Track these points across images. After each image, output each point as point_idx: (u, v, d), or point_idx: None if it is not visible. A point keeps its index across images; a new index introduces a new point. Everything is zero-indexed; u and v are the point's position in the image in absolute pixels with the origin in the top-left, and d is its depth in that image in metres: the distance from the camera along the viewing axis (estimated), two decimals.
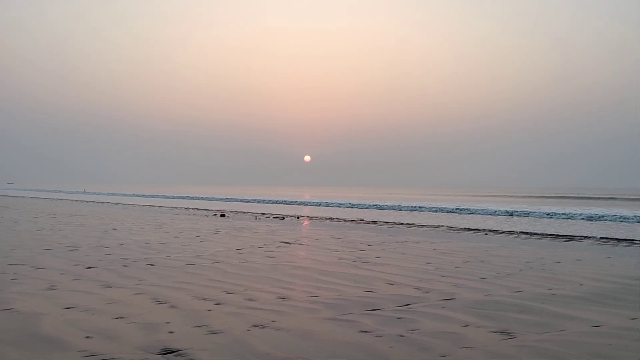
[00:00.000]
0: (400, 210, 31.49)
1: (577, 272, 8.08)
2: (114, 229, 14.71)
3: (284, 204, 40.55)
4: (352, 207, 35.08)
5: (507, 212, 27.94)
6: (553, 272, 8.04)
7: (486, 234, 15.40)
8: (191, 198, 52.28)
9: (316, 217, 24.44)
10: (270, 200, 45.77)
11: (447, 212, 29.00)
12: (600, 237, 14.93)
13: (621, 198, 55.39)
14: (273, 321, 4.81)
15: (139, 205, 34.96)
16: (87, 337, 4.21)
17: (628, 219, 22.32)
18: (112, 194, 63.19)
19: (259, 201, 45.03)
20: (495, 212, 28.11)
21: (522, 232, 16.41)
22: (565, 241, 13.56)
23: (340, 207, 36.06)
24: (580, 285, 6.96)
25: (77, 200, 42.60)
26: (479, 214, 27.65)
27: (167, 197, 54.19)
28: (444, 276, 7.49)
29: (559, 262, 9.12)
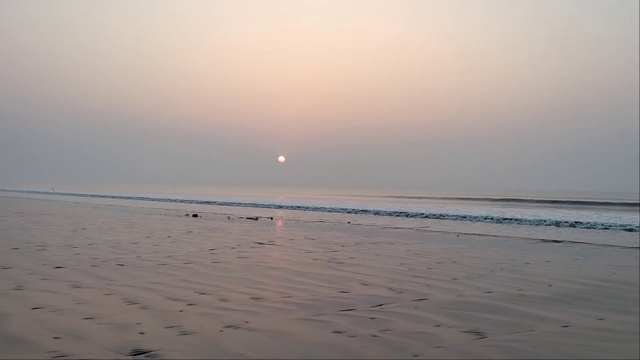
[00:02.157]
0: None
1: (546, 273, 8.22)
2: (84, 228, 14.47)
3: (258, 205, 40.36)
4: (325, 209, 35.11)
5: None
6: (523, 273, 8.17)
7: (458, 236, 15.57)
8: (162, 199, 51.70)
9: (290, 218, 24.41)
10: (243, 201, 45.56)
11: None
12: (570, 240, 15.22)
13: (598, 202, 56.56)
14: (246, 322, 4.78)
15: (110, 205, 34.46)
16: (56, 337, 4.13)
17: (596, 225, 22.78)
18: (83, 195, 62.10)
19: (232, 202, 44.77)
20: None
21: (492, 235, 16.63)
22: (534, 243, 13.78)
23: (313, 208, 36.07)
24: (550, 286, 7.08)
25: (45, 200, 41.80)
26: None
27: (137, 198, 53.48)
28: (416, 277, 7.55)
29: (528, 264, 9.27)
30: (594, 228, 20.66)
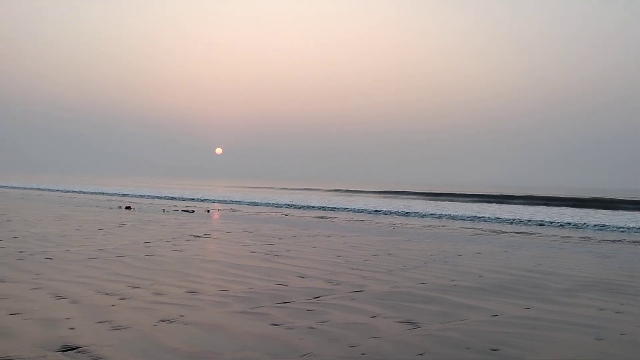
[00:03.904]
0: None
1: (476, 264, 8.52)
2: (8, 220, 13.80)
3: (194, 197, 39.69)
4: (262, 202, 34.96)
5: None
6: (455, 264, 8.43)
7: (393, 228, 15.87)
8: (94, 192, 49.98)
9: (227, 210, 24.15)
10: (179, 194, 44.71)
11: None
12: (500, 231, 15.80)
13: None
14: (181, 315, 4.70)
15: (37, 196, 33.01)
16: None
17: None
18: (7, 186, 59.11)
19: (167, 194, 43.83)
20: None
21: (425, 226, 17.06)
22: (466, 235, 14.24)
23: (251, 201, 35.82)
24: (480, 276, 7.34)
25: None
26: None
27: (67, 191, 51.47)
28: (353, 269, 7.65)
29: (460, 255, 9.57)
30: (527, 222, 21.53)
